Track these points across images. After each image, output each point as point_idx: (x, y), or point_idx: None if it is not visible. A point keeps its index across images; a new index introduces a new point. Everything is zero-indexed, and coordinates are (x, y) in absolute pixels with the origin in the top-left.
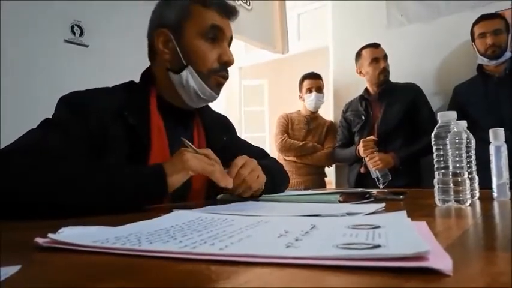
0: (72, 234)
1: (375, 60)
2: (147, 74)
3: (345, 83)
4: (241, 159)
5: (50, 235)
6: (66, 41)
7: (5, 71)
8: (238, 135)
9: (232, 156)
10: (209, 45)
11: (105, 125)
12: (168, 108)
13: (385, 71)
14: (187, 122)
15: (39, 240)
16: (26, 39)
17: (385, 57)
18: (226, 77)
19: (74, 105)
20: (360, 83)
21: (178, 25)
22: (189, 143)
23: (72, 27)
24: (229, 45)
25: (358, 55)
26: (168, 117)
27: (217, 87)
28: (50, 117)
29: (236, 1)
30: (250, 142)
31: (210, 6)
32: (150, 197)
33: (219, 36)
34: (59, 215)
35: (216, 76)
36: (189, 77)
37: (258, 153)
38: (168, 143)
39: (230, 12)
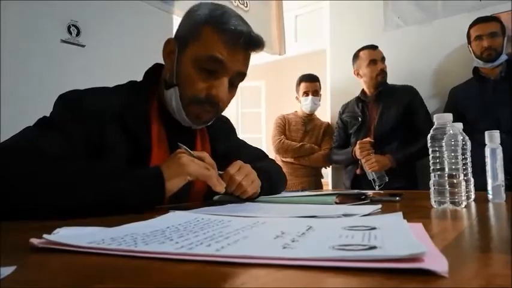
0: (67, 235)
1: (372, 62)
2: (151, 74)
3: (343, 84)
4: (235, 166)
5: (45, 236)
6: (63, 41)
7: (3, 71)
8: (238, 138)
9: (234, 158)
10: (203, 76)
11: (104, 126)
12: (169, 112)
13: (383, 73)
14: (189, 128)
15: (35, 241)
16: (22, 39)
17: (383, 59)
18: (209, 111)
19: (72, 104)
20: (357, 85)
21: (185, 41)
22: (186, 148)
23: (69, 27)
24: (237, 80)
25: (356, 56)
26: (170, 121)
27: (196, 118)
28: (48, 115)
29: (233, 2)
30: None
31: (221, 33)
32: (148, 202)
33: (218, 70)
34: (54, 216)
35: (197, 107)
36: (172, 97)
37: (257, 155)
38: (169, 148)
39: (246, 44)
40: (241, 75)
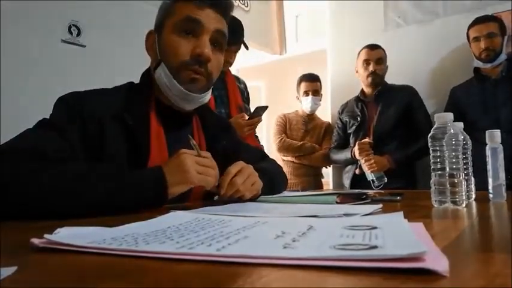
0: (68, 235)
1: (365, 62)
2: (146, 75)
3: (343, 84)
4: (235, 167)
5: (46, 236)
6: (64, 41)
7: (3, 71)
8: (237, 136)
9: (232, 159)
10: (183, 39)
11: (103, 127)
12: (166, 110)
13: (374, 75)
14: (187, 125)
15: (35, 240)
16: (23, 39)
17: (380, 60)
18: (200, 72)
19: (72, 106)
20: (358, 85)
21: (161, 24)
22: (195, 143)
23: (70, 27)
24: (219, 39)
25: (358, 55)
26: (167, 120)
27: (190, 82)
28: (48, 117)
29: (234, 2)
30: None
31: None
32: (149, 206)
33: (196, 29)
34: (55, 218)
35: (188, 70)
36: (161, 73)
37: (257, 155)
38: (167, 146)
39: (214, 2)
40: (221, 34)
